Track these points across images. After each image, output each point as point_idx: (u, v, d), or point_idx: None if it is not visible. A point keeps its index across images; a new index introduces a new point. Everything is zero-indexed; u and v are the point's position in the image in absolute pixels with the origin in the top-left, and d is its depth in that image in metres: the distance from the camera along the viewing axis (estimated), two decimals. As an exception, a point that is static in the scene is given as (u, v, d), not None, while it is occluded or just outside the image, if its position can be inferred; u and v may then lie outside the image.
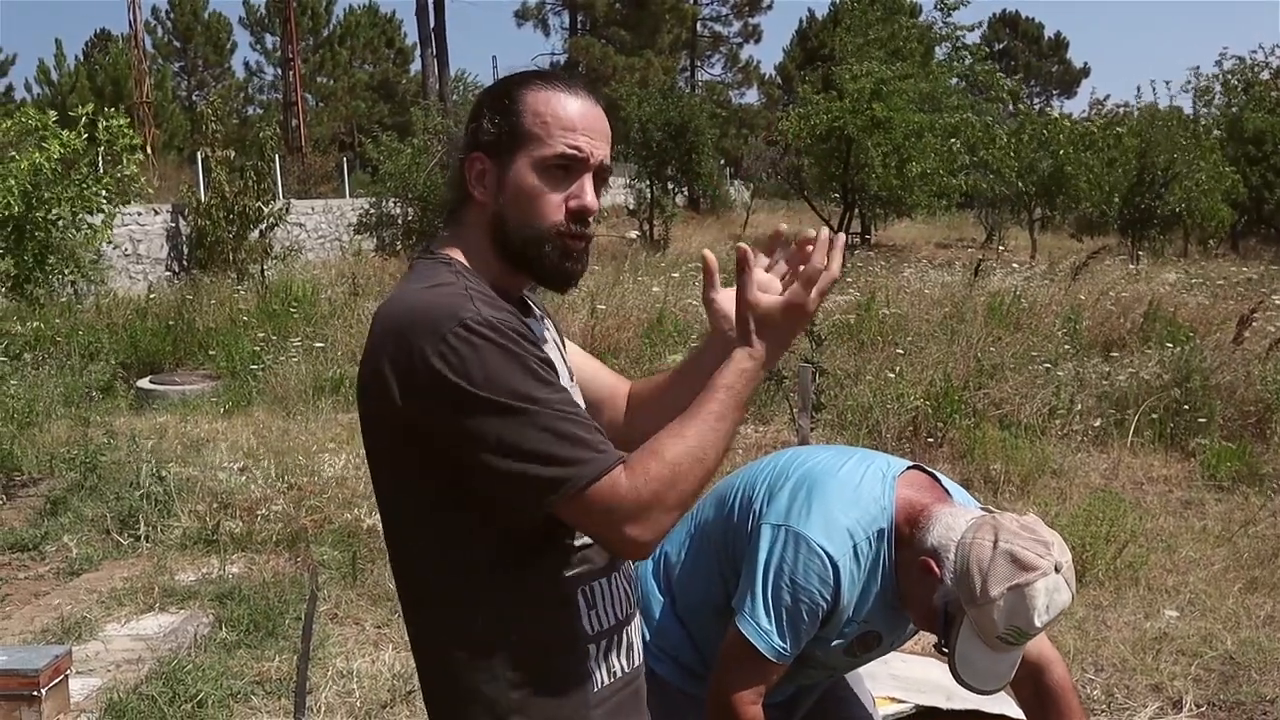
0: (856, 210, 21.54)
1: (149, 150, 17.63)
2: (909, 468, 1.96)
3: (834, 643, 1.91)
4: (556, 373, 1.30)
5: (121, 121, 9.94)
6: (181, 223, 14.74)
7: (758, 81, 44.12)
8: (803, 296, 1.33)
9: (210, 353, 9.27)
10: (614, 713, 1.39)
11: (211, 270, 13.43)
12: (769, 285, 1.40)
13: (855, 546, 1.83)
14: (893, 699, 2.88)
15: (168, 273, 14.35)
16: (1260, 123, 23.53)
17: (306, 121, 28.87)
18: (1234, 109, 24.88)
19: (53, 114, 9.65)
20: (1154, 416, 6.57)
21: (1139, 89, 71.63)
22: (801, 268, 1.36)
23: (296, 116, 27.50)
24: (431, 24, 29.77)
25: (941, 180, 19.67)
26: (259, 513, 5.26)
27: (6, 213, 7.82)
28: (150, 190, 12.04)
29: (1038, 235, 22.19)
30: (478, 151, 1.37)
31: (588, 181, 1.36)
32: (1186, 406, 6.65)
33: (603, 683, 1.38)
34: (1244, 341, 7.64)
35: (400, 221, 19.15)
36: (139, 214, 13.77)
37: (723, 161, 30.07)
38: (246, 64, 54.96)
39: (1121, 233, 21.06)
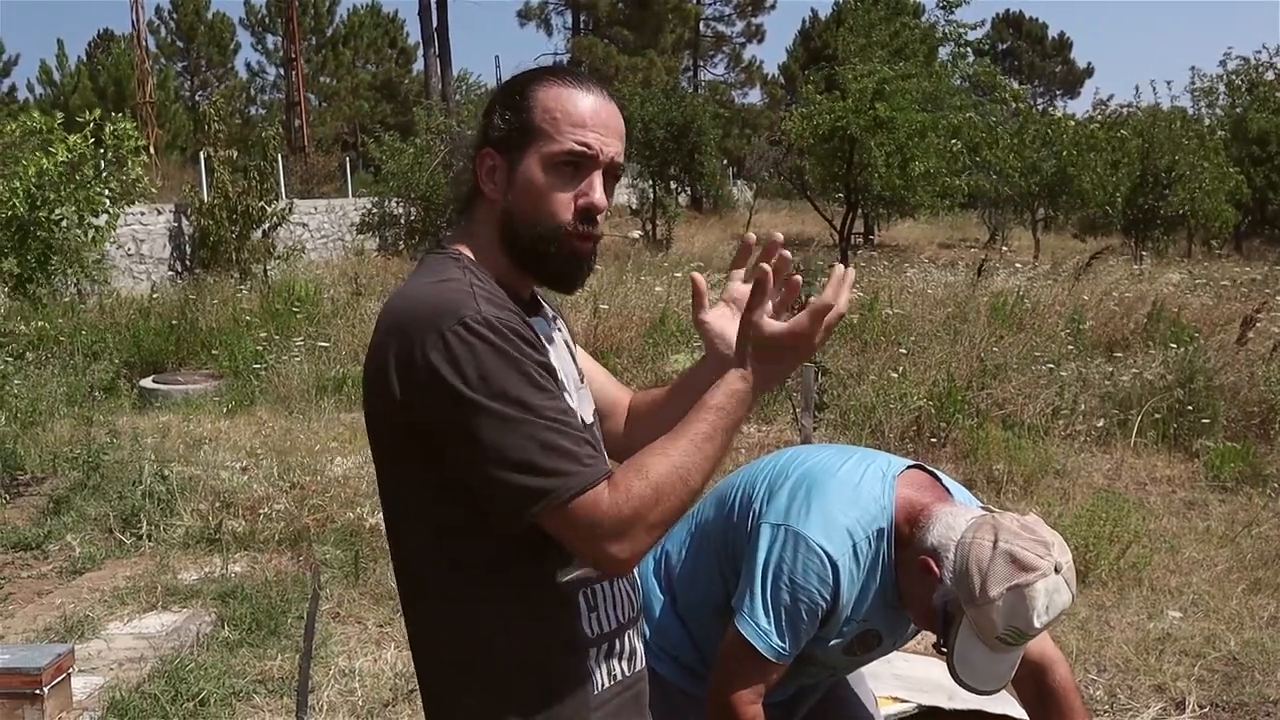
0: (859, 210, 21.52)
1: (152, 150, 17.60)
2: (909, 467, 1.95)
3: (833, 642, 1.90)
4: (555, 378, 1.29)
5: (128, 125, 9.95)
6: (185, 222, 14.75)
7: (760, 81, 44.09)
8: (807, 327, 1.29)
9: (213, 352, 9.28)
10: (614, 715, 1.38)
11: (214, 270, 13.46)
12: (743, 299, 1.38)
13: (855, 546, 1.83)
14: (895, 699, 2.87)
15: (171, 272, 14.36)
16: (1265, 123, 23.45)
17: (309, 121, 28.84)
18: (1238, 109, 24.82)
19: (59, 115, 9.66)
20: (1157, 417, 6.56)
21: (1138, 89, 71.49)
22: (793, 277, 1.35)
23: (299, 116, 27.48)
24: (434, 24, 29.74)
25: (944, 180, 19.65)
26: (261, 512, 5.26)
27: (10, 213, 7.82)
28: (153, 190, 12.02)
29: (1041, 235, 22.14)
30: (489, 147, 1.36)
31: (597, 179, 1.34)
32: (1190, 407, 6.64)
33: (603, 685, 1.37)
34: (1248, 342, 7.63)
35: (403, 221, 19.20)
36: (142, 214, 13.77)
37: (725, 161, 30.02)
38: (249, 64, 55.06)
39: (1125, 233, 21.01)
